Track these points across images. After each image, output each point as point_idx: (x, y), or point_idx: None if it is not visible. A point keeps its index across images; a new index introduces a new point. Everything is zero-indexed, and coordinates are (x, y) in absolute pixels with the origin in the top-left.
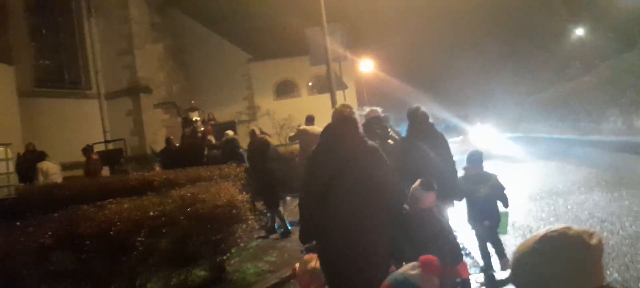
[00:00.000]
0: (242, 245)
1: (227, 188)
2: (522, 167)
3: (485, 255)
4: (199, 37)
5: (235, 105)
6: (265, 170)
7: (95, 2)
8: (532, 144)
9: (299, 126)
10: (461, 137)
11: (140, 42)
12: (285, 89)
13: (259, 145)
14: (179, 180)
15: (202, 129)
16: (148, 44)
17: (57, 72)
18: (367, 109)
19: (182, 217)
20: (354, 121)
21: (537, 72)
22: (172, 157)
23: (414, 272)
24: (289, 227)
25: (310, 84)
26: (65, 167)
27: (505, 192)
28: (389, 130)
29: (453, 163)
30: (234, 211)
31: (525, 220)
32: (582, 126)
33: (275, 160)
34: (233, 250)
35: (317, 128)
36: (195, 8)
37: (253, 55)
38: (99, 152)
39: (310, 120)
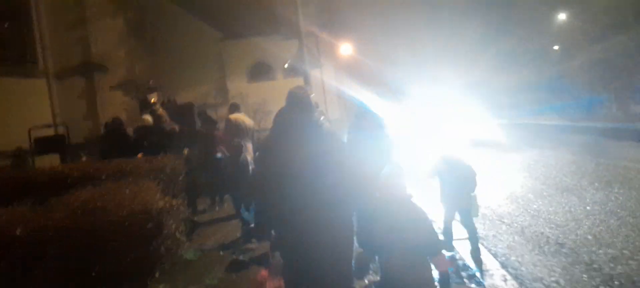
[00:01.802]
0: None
1: (148, 189)
2: (516, 156)
3: (449, 237)
4: (168, 12)
5: (205, 88)
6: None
7: None
8: (520, 130)
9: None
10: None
11: (94, 14)
12: (259, 72)
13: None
14: (99, 174)
15: (160, 112)
16: (105, 18)
17: None
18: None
19: (75, 232)
20: (309, 104)
21: (520, 56)
22: (115, 144)
23: None
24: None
25: (286, 66)
26: (6, 155)
27: (476, 177)
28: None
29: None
30: (149, 224)
31: (536, 225)
32: (570, 112)
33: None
34: (157, 274)
35: (244, 117)
36: None
37: (225, 34)
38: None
39: (235, 107)
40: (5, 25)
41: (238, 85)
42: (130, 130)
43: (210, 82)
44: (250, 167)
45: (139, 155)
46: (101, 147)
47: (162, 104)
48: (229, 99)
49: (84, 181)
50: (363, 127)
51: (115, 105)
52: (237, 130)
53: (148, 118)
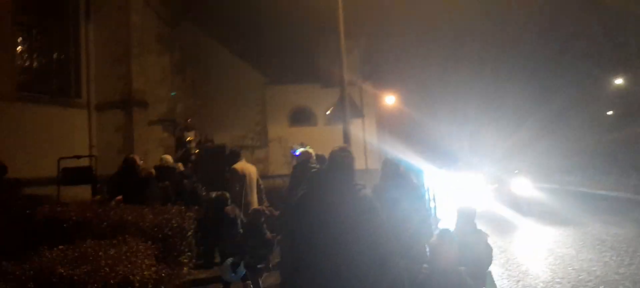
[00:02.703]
0: None
1: (137, 252)
2: (578, 230)
3: None
4: (214, 54)
5: (246, 129)
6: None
7: (96, 6)
8: (575, 199)
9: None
10: (497, 184)
11: (139, 51)
12: (300, 117)
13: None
14: (100, 221)
15: (196, 151)
16: (151, 56)
17: (44, 77)
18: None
19: None
20: (348, 166)
21: (571, 119)
22: (125, 186)
23: None
24: None
25: (328, 113)
26: (39, 182)
27: (492, 253)
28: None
29: (425, 211)
30: None
31: None
32: (631, 183)
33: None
34: None
35: (248, 165)
36: (212, 24)
37: (270, 78)
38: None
39: (236, 155)
40: (54, 57)
41: (278, 129)
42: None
43: (252, 124)
44: (238, 221)
45: (119, 197)
46: (109, 187)
47: (198, 143)
48: (268, 142)
49: (81, 228)
50: (390, 176)
51: (152, 141)
52: (241, 179)
53: (169, 158)
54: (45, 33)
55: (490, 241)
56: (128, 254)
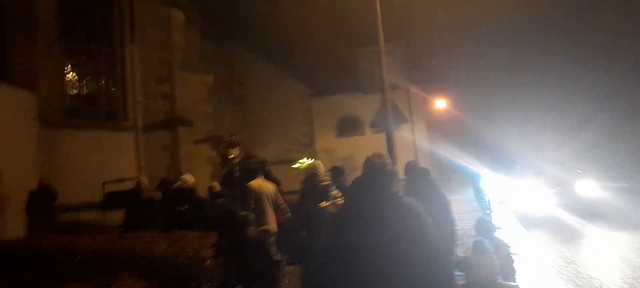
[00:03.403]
0: None
1: None
2: None
3: None
4: (259, 70)
5: (292, 142)
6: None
7: (139, 27)
8: None
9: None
10: (559, 188)
11: (182, 70)
12: (347, 126)
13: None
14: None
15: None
16: (195, 74)
17: (92, 102)
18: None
19: None
20: (388, 174)
21: None
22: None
23: None
24: None
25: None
26: (89, 207)
27: (514, 265)
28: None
29: (451, 228)
30: None
31: None
32: None
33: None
34: None
35: (265, 182)
36: (256, 40)
37: (315, 90)
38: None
39: (253, 171)
40: (102, 81)
41: (326, 140)
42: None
43: (299, 136)
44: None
45: None
46: (124, 221)
47: (242, 160)
48: (315, 154)
49: (93, 260)
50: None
51: (199, 159)
52: (256, 198)
53: (189, 178)
54: (91, 57)
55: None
56: None
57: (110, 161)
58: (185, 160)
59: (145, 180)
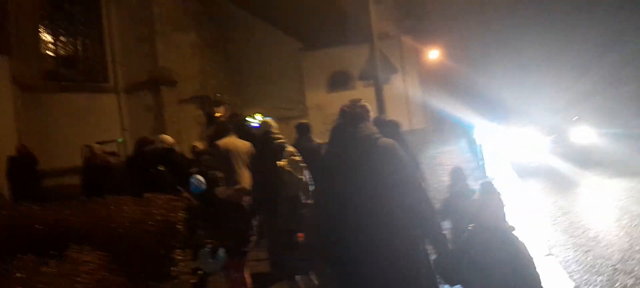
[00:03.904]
0: None
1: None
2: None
3: None
4: (247, 26)
5: (282, 99)
6: None
7: None
8: None
9: None
10: (554, 135)
11: (164, 28)
12: (339, 81)
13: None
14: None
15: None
16: (178, 32)
17: (69, 63)
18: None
19: None
20: (362, 117)
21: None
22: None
23: None
24: None
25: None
26: (74, 170)
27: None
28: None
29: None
30: None
31: None
32: None
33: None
34: None
35: (237, 141)
36: None
37: (305, 44)
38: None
39: (224, 129)
40: (79, 43)
41: (317, 96)
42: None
43: (290, 93)
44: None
45: None
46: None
47: (229, 118)
48: (306, 111)
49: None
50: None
51: (185, 120)
52: (223, 158)
53: (167, 138)
54: (67, 18)
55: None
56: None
57: (92, 124)
58: (171, 121)
59: (95, 147)
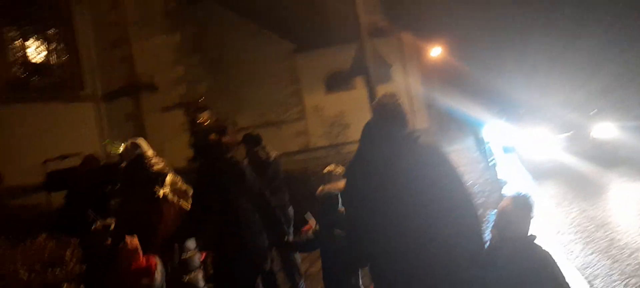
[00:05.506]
0: None
1: None
2: None
3: None
4: (235, 28)
5: (274, 104)
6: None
7: None
8: None
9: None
10: (571, 131)
11: (140, 30)
12: (337, 81)
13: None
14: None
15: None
16: (157, 35)
17: (41, 72)
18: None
19: None
20: (400, 113)
21: None
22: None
23: None
24: None
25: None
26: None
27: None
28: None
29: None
30: None
31: None
32: None
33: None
34: None
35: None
36: None
37: (298, 45)
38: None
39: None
40: (51, 50)
41: (315, 98)
42: None
43: (285, 97)
44: None
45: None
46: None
47: (221, 129)
48: (305, 113)
49: None
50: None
51: (169, 127)
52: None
53: (142, 143)
54: (36, 22)
55: None
56: None
57: (69, 135)
58: (153, 129)
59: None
